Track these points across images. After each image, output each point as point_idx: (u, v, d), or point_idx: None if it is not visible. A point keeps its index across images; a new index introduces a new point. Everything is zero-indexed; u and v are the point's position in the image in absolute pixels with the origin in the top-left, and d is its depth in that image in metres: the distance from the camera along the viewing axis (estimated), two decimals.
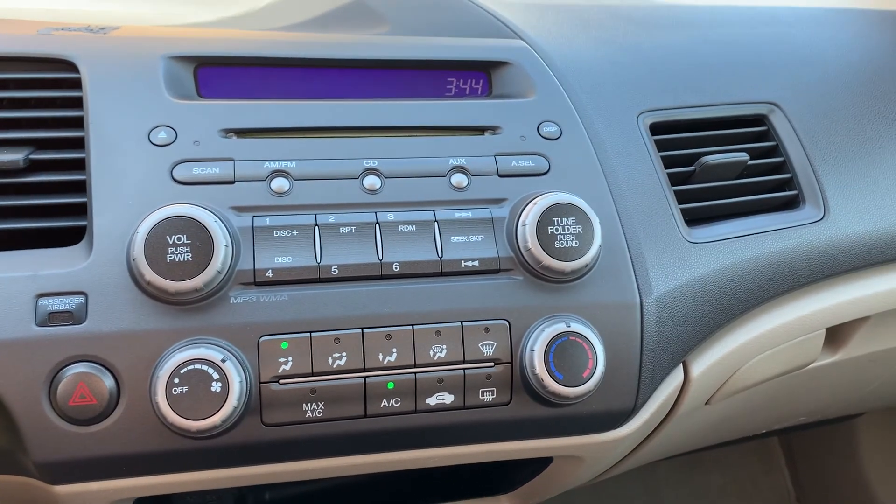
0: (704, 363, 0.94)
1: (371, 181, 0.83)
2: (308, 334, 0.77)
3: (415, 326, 0.79)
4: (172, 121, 0.83)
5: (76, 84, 0.86)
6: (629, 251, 0.86)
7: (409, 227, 0.81)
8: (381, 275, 0.79)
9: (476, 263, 0.81)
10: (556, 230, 0.80)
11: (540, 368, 0.78)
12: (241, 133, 0.84)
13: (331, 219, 0.80)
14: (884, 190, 1.03)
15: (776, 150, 1.03)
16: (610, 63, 1.03)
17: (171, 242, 0.73)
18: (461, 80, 0.98)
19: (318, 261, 0.78)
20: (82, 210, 0.79)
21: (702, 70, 1.06)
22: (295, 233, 0.79)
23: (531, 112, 0.91)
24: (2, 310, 0.73)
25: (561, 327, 0.79)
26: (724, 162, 0.96)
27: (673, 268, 0.88)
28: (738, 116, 1.03)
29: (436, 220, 0.82)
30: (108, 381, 0.73)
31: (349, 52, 0.95)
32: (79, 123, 0.84)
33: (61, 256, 0.76)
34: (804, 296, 0.99)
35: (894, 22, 1.24)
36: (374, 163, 0.84)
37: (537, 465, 1.01)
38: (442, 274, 0.81)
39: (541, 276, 0.81)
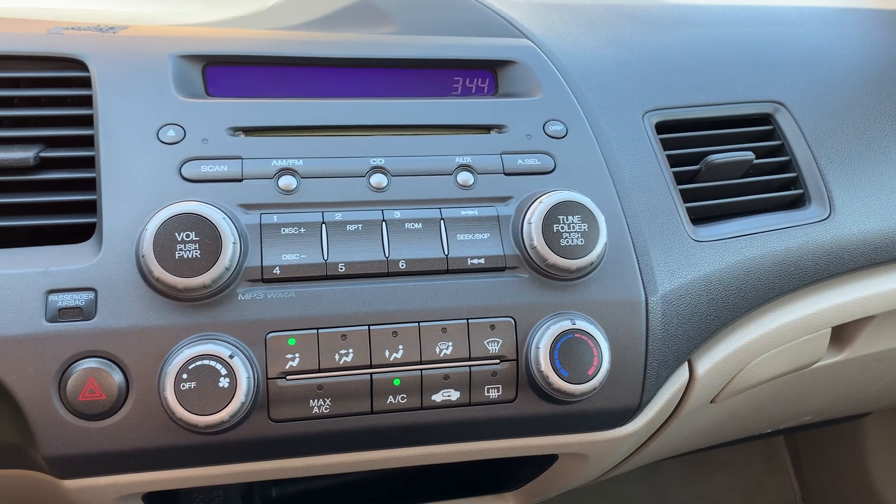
0: (710, 361, 0.94)
1: (378, 179, 0.84)
2: (315, 331, 0.77)
3: (421, 324, 0.79)
4: (181, 119, 0.84)
5: (86, 83, 0.86)
6: (634, 249, 0.86)
7: (416, 225, 0.82)
8: (387, 272, 0.80)
9: (482, 261, 0.81)
10: (562, 228, 0.80)
11: (545, 365, 0.78)
12: (249, 131, 0.85)
13: (338, 216, 0.81)
14: (889, 189, 1.03)
15: (781, 150, 1.03)
16: (616, 62, 1.03)
17: (179, 239, 0.74)
18: (467, 79, 0.99)
19: (326, 258, 0.79)
20: (92, 207, 0.80)
21: (707, 69, 1.06)
22: (302, 230, 0.79)
23: (537, 111, 0.92)
24: (12, 305, 0.74)
25: (566, 325, 0.79)
26: (730, 161, 0.96)
27: (678, 266, 0.88)
28: (744, 115, 1.03)
29: (442, 218, 0.82)
30: (118, 377, 0.74)
31: (356, 51, 0.96)
32: (88, 122, 0.84)
33: (71, 253, 0.77)
34: (810, 295, 0.99)
35: None
36: (380, 161, 0.85)
37: (542, 463, 1.01)
38: (448, 271, 0.81)
39: (546, 273, 0.82)
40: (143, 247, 0.74)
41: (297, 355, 0.77)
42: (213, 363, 0.73)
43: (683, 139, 0.98)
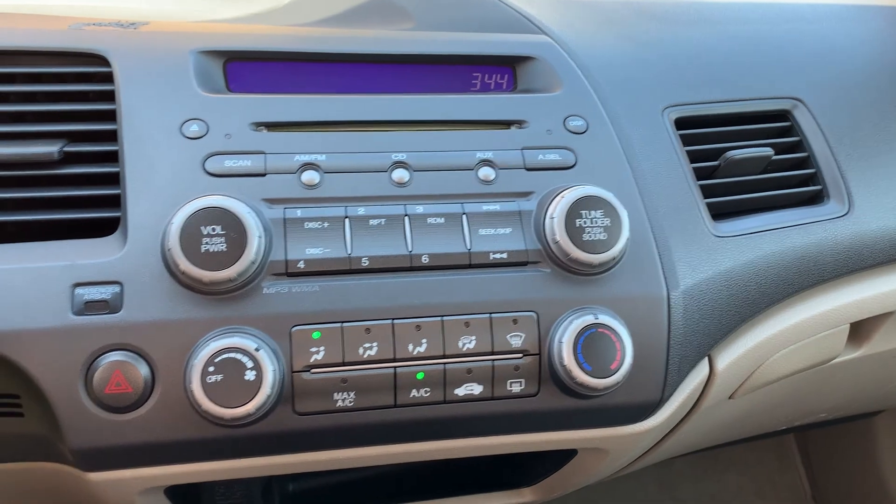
0: (729, 357, 0.94)
1: (400, 174, 0.84)
2: (339, 324, 0.78)
3: (444, 318, 0.79)
4: (204, 114, 0.84)
5: (108, 78, 0.87)
6: (656, 244, 0.86)
7: (438, 220, 0.82)
8: (410, 266, 0.80)
9: (504, 256, 0.82)
10: (585, 223, 0.81)
11: (568, 360, 0.78)
12: (272, 126, 0.85)
13: (361, 211, 0.81)
14: None
15: (800, 146, 1.03)
16: (634, 58, 1.03)
17: (205, 233, 0.74)
18: (486, 76, 0.99)
19: (349, 252, 0.79)
20: (115, 202, 0.80)
21: (724, 66, 1.06)
22: (326, 224, 0.80)
23: (557, 106, 0.92)
24: (39, 298, 0.74)
25: (589, 319, 0.79)
26: (749, 157, 0.97)
27: (699, 261, 0.88)
28: (762, 112, 1.04)
29: (464, 213, 0.83)
30: (144, 370, 0.74)
31: (375, 47, 0.96)
32: (111, 117, 0.85)
33: (96, 247, 0.77)
34: (829, 290, 0.99)
35: None
36: (402, 156, 0.85)
37: (560, 458, 1.01)
38: (470, 266, 0.81)
39: (569, 268, 0.82)
40: (169, 240, 0.74)
41: (321, 349, 0.77)
42: (239, 356, 0.73)
43: (702, 135, 0.98)
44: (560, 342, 0.79)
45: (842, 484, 2.06)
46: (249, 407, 0.72)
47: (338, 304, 0.78)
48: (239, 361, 0.73)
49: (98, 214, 0.81)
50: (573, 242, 0.80)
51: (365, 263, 0.79)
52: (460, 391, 0.80)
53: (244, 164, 0.82)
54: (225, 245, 0.74)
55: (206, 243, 0.74)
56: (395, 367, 0.79)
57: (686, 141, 0.97)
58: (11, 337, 0.73)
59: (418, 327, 0.79)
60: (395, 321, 0.79)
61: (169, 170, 0.81)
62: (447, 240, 0.81)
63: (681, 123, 0.98)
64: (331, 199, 0.82)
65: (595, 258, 0.80)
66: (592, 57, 1.00)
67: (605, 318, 0.80)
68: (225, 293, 0.76)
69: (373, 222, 0.81)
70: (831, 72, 1.10)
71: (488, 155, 0.86)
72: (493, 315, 0.80)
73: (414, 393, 0.79)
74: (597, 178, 0.87)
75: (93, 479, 0.79)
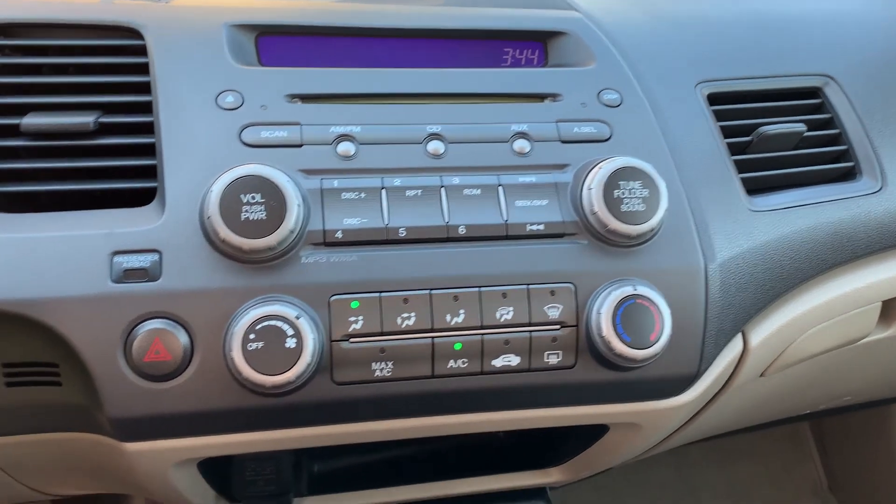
0: (762, 333, 0.94)
1: (435, 146, 0.84)
2: (378, 294, 0.77)
3: (481, 289, 0.79)
4: (239, 86, 0.84)
5: (141, 51, 0.86)
6: (693, 217, 0.86)
7: (474, 191, 0.82)
8: (447, 237, 0.80)
9: (541, 227, 0.81)
10: (623, 194, 0.80)
11: (607, 331, 0.78)
12: (306, 98, 0.85)
13: (397, 182, 0.81)
14: None
15: (832, 122, 1.03)
16: (665, 35, 1.03)
17: (245, 201, 0.74)
18: (517, 51, 0.99)
19: (386, 223, 0.79)
20: (151, 172, 0.80)
21: (756, 43, 1.05)
22: (362, 195, 0.79)
23: (591, 80, 0.92)
24: (79, 266, 0.74)
25: (628, 290, 0.79)
26: (782, 132, 0.96)
27: (735, 234, 0.88)
28: (793, 89, 1.03)
29: (500, 185, 0.82)
30: (183, 338, 0.74)
31: (405, 21, 0.95)
32: (146, 89, 0.84)
33: (134, 216, 0.77)
34: (861, 267, 0.99)
35: None
36: (437, 128, 0.85)
37: (591, 436, 1.01)
38: (507, 237, 0.81)
39: (606, 240, 0.81)
40: (209, 208, 0.74)
41: (360, 318, 0.77)
42: (279, 323, 0.73)
43: (734, 111, 0.98)
44: (598, 313, 0.79)
45: (858, 474, 2.05)
46: (290, 375, 0.72)
47: (376, 273, 0.78)
48: (279, 329, 0.73)
49: (135, 185, 0.80)
50: (611, 213, 0.80)
51: (402, 234, 0.79)
52: (497, 362, 0.80)
53: (280, 134, 0.81)
54: (265, 213, 0.74)
55: (246, 211, 0.74)
56: (432, 338, 0.78)
57: (718, 116, 0.96)
58: (51, 305, 0.73)
59: (456, 298, 0.79)
60: (433, 292, 0.78)
61: (206, 140, 0.80)
62: (483, 211, 0.81)
63: (713, 99, 0.98)
64: (366, 170, 0.82)
65: (633, 229, 0.80)
66: (623, 33, 1.00)
67: (643, 290, 0.79)
68: (264, 262, 0.76)
69: (409, 193, 0.81)
70: (863, 49, 1.09)
71: (523, 127, 0.86)
72: (530, 286, 0.80)
73: (451, 364, 0.79)
74: (632, 151, 0.86)
75: (129, 449, 0.79)
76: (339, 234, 0.78)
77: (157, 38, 0.87)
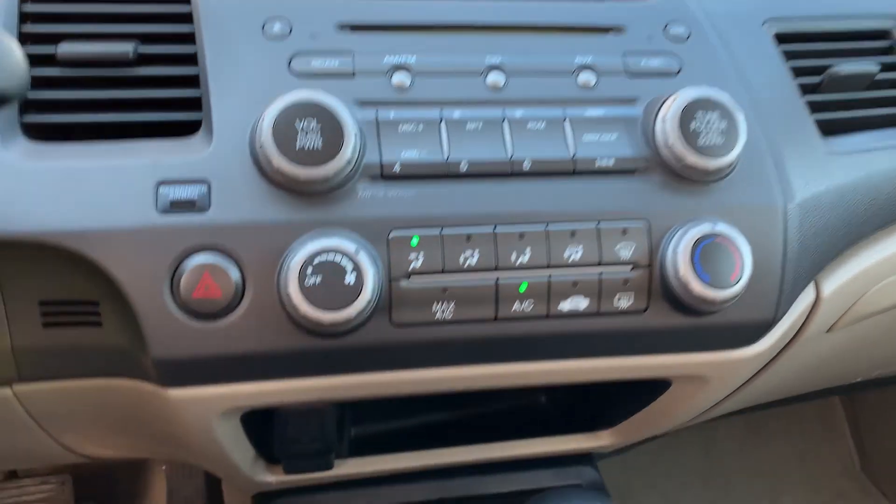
0: (835, 283, 0.89)
1: (494, 78, 0.78)
2: (439, 230, 0.72)
3: (549, 226, 0.74)
4: (286, 13, 0.79)
5: None
6: (770, 154, 0.80)
7: (539, 125, 0.77)
8: (511, 172, 0.75)
9: (611, 163, 0.76)
10: (699, 126, 0.75)
11: (684, 271, 0.73)
12: (358, 28, 0.80)
13: (456, 114, 0.76)
14: None
15: None
16: None
17: (300, 128, 0.69)
18: None
19: (446, 156, 0.74)
20: (195, 104, 0.75)
21: None
22: (420, 127, 0.74)
23: (656, 13, 0.86)
24: (122, 196, 0.69)
25: (706, 228, 0.74)
26: (854, 73, 0.91)
27: (812, 175, 0.83)
28: (863, 30, 0.98)
29: (566, 118, 0.77)
30: (234, 274, 0.69)
31: None
32: (187, 19, 0.79)
33: (179, 147, 0.72)
34: None
35: None
36: (497, 59, 0.80)
37: (646, 396, 0.96)
38: (575, 173, 0.76)
39: (681, 176, 0.76)
40: (262, 136, 0.69)
41: (420, 255, 0.72)
42: (339, 258, 0.68)
43: (804, 50, 0.92)
44: (675, 252, 0.74)
45: (892, 454, 2.00)
46: (349, 312, 0.67)
47: (436, 209, 0.73)
48: (338, 264, 0.68)
49: (178, 117, 0.75)
50: (688, 146, 0.75)
51: (464, 168, 0.74)
52: (565, 305, 0.75)
53: (332, 64, 0.76)
54: (321, 142, 0.69)
55: (301, 139, 0.69)
56: (496, 277, 0.73)
57: (787, 55, 0.91)
58: (92, 236, 0.68)
59: (521, 236, 0.74)
60: (498, 228, 0.73)
61: (253, 70, 0.75)
62: (549, 145, 0.76)
63: (781, 38, 0.92)
64: (423, 102, 0.76)
65: (711, 163, 0.75)
66: None
67: (722, 228, 0.74)
68: (319, 194, 0.71)
69: (469, 126, 0.76)
70: None
71: (588, 60, 0.81)
72: (600, 224, 0.75)
73: (516, 306, 0.74)
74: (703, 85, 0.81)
75: (173, 396, 0.74)
76: (397, 168, 0.73)
77: None
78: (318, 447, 0.92)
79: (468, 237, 0.73)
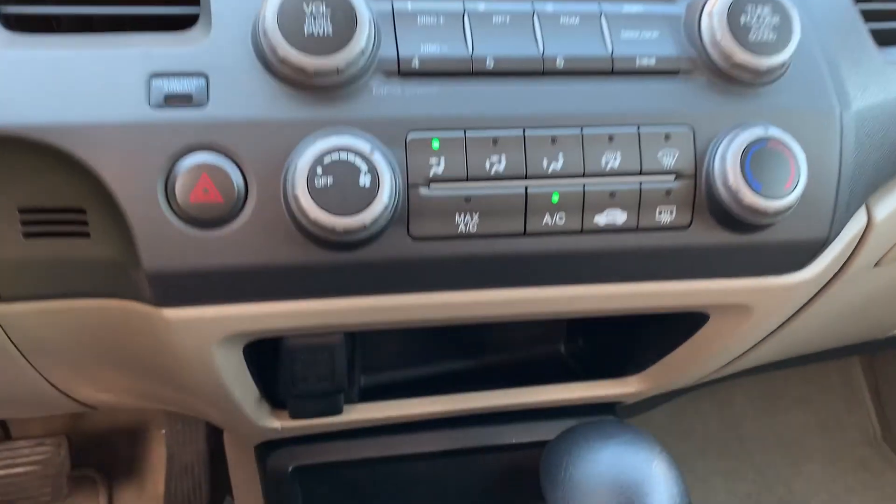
0: (888, 208, 0.82)
1: None
2: (462, 132, 0.65)
3: (584, 130, 0.67)
4: None
5: None
6: (824, 58, 0.73)
7: (572, 20, 0.69)
8: (542, 71, 0.68)
9: (652, 62, 0.69)
10: (750, 21, 0.68)
11: (734, 178, 0.66)
12: None
13: (481, 7, 0.68)
14: None
15: None
16: None
17: (309, 12, 0.61)
18: None
19: (471, 51, 0.66)
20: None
21: None
22: (441, 20, 0.67)
23: None
24: (112, 90, 0.62)
25: (758, 132, 0.67)
26: None
27: (869, 83, 0.76)
28: None
29: (602, 13, 0.70)
30: (235, 176, 0.62)
31: None
32: None
33: (174, 39, 0.65)
34: None
35: None
36: None
37: (679, 336, 0.89)
38: (613, 73, 0.69)
39: (729, 76, 0.69)
40: (266, 21, 0.61)
41: (441, 160, 0.65)
42: (352, 157, 0.61)
43: None
44: (724, 158, 0.67)
45: None
46: (364, 217, 0.60)
47: (460, 109, 0.66)
48: (352, 164, 0.60)
49: (174, 10, 0.68)
50: (737, 43, 0.67)
51: (490, 65, 0.67)
52: (601, 219, 0.68)
53: None
54: (331, 28, 0.62)
55: (310, 24, 0.61)
56: (526, 186, 0.66)
57: None
58: (77, 132, 0.61)
59: (554, 140, 0.66)
60: (527, 131, 0.66)
61: None
62: (584, 42, 0.69)
63: None
64: None
65: (763, 62, 0.68)
66: None
67: (775, 132, 0.67)
68: (328, 89, 0.64)
69: (496, 19, 0.68)
70: None
71: None
72: (640, 129, 0.68)
73: (547, 219, 0.67)
74: None
75: (169, 317, 0.67)
76: (415, 63, 0.65)
77: None
78: (327, 387, 0.85)
79: (494, 141, 0.66)
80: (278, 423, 0.91)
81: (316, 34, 0.61)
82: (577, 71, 0.68)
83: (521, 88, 0.67)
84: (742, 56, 0.67)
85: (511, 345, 1.14)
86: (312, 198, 0.60)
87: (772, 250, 0.72)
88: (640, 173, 0.68)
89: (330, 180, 0.60)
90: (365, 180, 0.60)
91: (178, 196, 0.61)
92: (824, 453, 1.99)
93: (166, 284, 0.64)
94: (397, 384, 1.07)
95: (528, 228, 0.67)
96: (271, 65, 0.63)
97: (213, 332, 0.70)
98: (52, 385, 0.85)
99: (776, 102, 0.70)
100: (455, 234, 0.66)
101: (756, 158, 0.66)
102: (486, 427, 1.01)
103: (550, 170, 0.66)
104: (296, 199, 0.60)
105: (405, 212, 0.65)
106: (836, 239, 0.78)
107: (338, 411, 0.91)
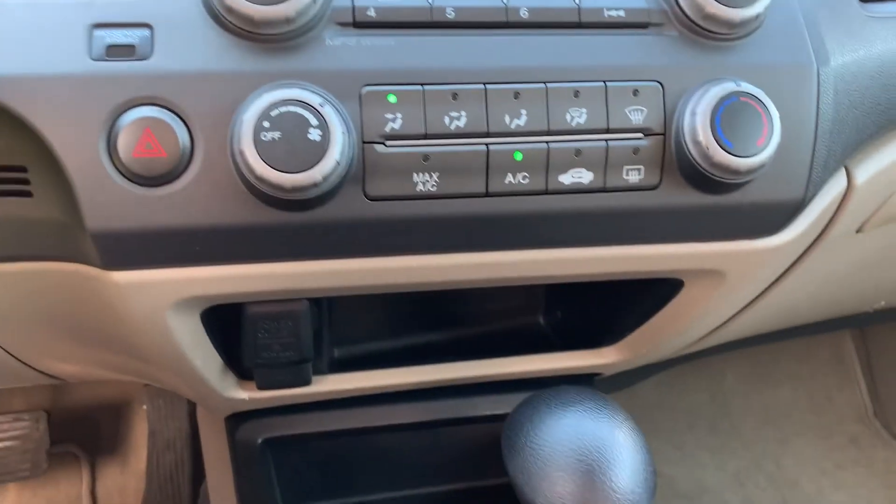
0: (869, 170, 0.80)
1: None
2: (420, 87, 0.62)
3: (548, 84, 0.64)
4: None
5: None
6: (801, 12, 0.70)
7: None
8: (506, 21, 0.65)
9: (621, 14, 0.66)
10: None
11: (704, 135, 0.63)
12: None
13: None
14: None
15: None
16: None
17: None
18: None
19: (430, 0, 0.64)
20: None
21: None
22: None
23: None
24: (49, 40, 0.59)
25: (730, 87, 0.64)
26: None
27: (849, 39, 0.73)
28: None
29: None
30: (181, 132, 0.59)
31: None
32: None
33: None
34: None
35: None
36: None
37: (654, 304, 0.87)
38: (580, 25, 0.66)
39: (701, 30, 0.66)
40: None
41: (398, 115, 0.62)
42: (300, 110, 0.58)
43: None
44: (694, 114, 0.64)
45: None
46: (314, 173, 0.58)
47: (418, 61, 0.63)
48: (301, 116, 0.58)
49: None
50: None
51: (450, 15, 0.64)
52: (565, 178, 0.65)
53: None
54: None
55: None
56: (487, 144, 0.64)
57: None
58: (14, 84, 0.58)
59: (517, 95, 0.64)
60: (489, 86, 0.63)
61: None
62: None
63: None
64: None
65: (736, 14, 0.65)
66: None
67: (747, 87, 0.64)
68: (279, 41, 0.61)
69: None
70: None
71: None
72: (608, 83, 0.65)
73: (510, 178, 0.64)
74: None
75: (118, 280, 0.65)
76: (371, 12, 0.63)
77: None
78: (292, 356, 0.83)
79: (454, 95, 0.63)
80: (245, 394, 0.89)
81: None
82: (542, 22, 0.65)
83: (482, 40, 0.64)
84: (714, 7, 0.65)
85: (490, 316, 1.12)
86: (259, 153, 0.57)
87: (745, 212, 0.70)
88: (607, 131, 0.65)
89: (277, 135, 0.57)
90: (314, 134, 0.58)
91: (120, 152, 0.58)
92: (814, 430, 1.98)
93: (112, 245, 0.62)
94: (373, 356, 1.05)
95: (490, 188, 0.65)
96: (218, 15, 0.60)
97: (165, 296, 0.67)
98: (10, 354, 0.83)
99: (750, 57, 0.67)
100: (413, 194, 0.63)
101: (727, 114, 0.63)
102: (459, 399, 0.99)
103: (513, 126, 0.64)
104: (241, 154, 0.58)
105: (360, 170, 0.62)
106: (815, 202, 0.75)
107: (306, 382, 0.89)
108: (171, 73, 0.59)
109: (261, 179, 0.58)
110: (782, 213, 0.72)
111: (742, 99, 0.64)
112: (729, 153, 0.63)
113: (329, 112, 0.58)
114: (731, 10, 0.64)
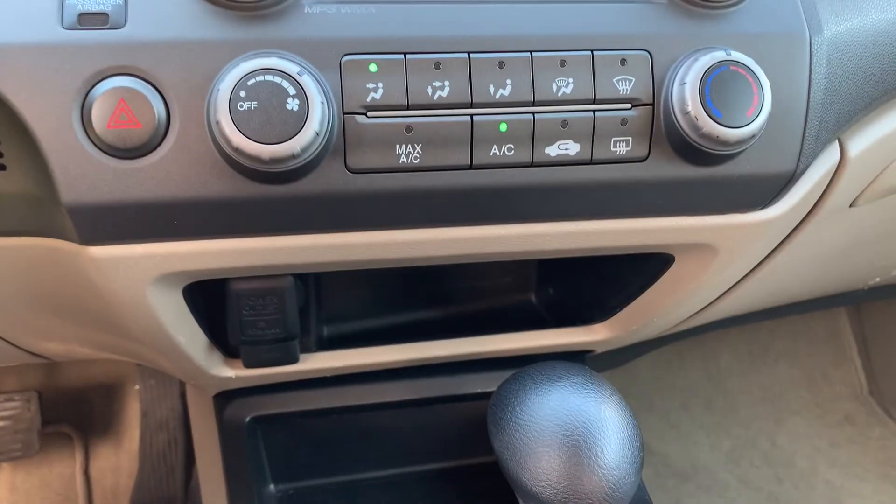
0: (863, 143, 0.78)
1: None
2: (402, 56, 0.61)
3: (534, 53, 0.63)
4: None
5: None
6: None
7: None
8: None
9: None
10: None
11: (693, 105, 0.62)
12: None
13: None
14: None
15: None
16: None
17: None
18: None
19: None
20: None
21: None
22: None
23: None
24: (21, 9, 0.57)
25: (720, 55, 0.62)
26: None
27: (842, 7, 0.71)
28: None
29: None
30: (156, 103, 0.58)
31: None
32: None
33: None
34: None
35: None
36: None
37: (645, 279, 0.86)
38: None
39: None
40: None
41: (379, 85, 0.60)
42: (278, 79, 0.56)
43: None
44: (682, 84, 0.62)
45: None
46: (293, 144, 0.56)
47: (400, 29, 0.61)
48: (279, 86, 0.56)
49: None
50: None
51: None
52: (551, 150, 0.64)
53: None
54: None
55: None
56: (471, 115, 0.62)
57: None
58: None
59: (501, 64, 0.62)
60: (473, 55, 0.62)
61: None
62: None
63: None
64: None
65: None
66: None
67: (737, 55, 0.63)
68: (256, 9, 0.59)
69: None
70: None
71: None
72: (595, 52, 0.63)
73: (494, 150, 0.63)
74: None
75: (96, 255, 0.64)
76: None
77: None
78: (278, 334, 0.82)
79: (437, 64, 0.61)
80: (232, 372, 0.89)
81: None
82: None
83: (466, 8, 0.63)
84: None
85: (481, 293, 1.11)
86: (235, 123, 0.56)
87: (735, 185, 0.69)
88: (594, 101, 0.63)
89: (254, 105, 0.56)
90: (293, 104, 0.56)
91: (94, 123, 0.57)
92: (810, 408, 1.98)
93: (89, 219, 0.61)
94: (363, 334, 1.04)
95: (475, 160, 0.63)
96: None
97: (145, 271, 0.66)
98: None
99: (741, 26, 0.66)
100: (396, 166, 0.62)
101: (716, 83, 0.62)
102: (449, 377, 0.98)
103: (498, 96, 0.62)
104: (218, 124, 0.56)
105: (341, 142, 0.61)
106: (807, 175, 0.74)
107: (293, 360, 0.88)
108: (146, 42, 0.58)
109: (238, 151, 0.56)
110: (773, 186, 0.71)
111: (732, 68, 0.62)
112: (718, 123, 0.62)
113: (308, 81, 0.57)
114: None
